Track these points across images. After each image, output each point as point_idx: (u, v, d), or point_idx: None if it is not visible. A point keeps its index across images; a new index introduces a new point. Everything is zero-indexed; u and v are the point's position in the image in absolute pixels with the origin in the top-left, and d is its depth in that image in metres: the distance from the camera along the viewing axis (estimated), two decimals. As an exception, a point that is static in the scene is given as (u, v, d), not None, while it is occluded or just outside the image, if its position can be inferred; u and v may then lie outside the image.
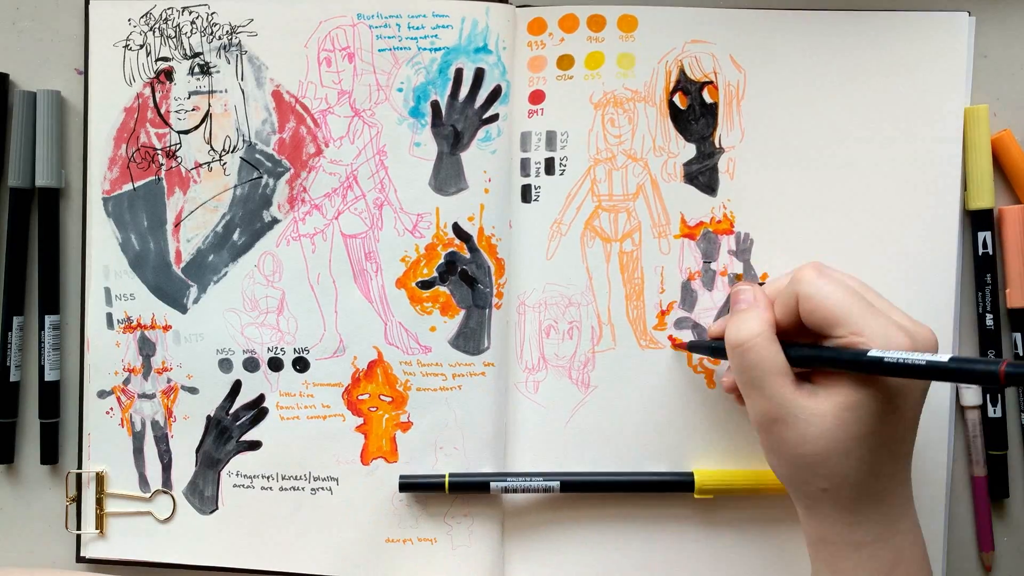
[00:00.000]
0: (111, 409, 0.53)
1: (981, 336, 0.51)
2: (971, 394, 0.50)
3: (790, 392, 0.40)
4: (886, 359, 0.37)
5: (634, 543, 0.51)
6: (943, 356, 0.36)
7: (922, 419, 0.50)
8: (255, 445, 0.53)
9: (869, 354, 0.38)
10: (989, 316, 0.50)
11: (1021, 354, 0.50)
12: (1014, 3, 0.51)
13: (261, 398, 0.53)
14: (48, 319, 0.53)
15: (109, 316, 0.53)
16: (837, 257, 0.50)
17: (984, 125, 0.50)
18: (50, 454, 0.54)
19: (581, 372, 0.51)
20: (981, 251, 0.50)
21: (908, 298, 0.50)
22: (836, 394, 0.40)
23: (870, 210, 0.50)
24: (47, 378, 0.53)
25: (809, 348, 0.41)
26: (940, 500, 0.50)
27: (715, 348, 0.47)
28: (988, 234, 0.50)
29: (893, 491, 0.41)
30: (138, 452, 0.53)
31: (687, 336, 0.51)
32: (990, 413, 0.50)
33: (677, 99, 0.51)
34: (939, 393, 0.50)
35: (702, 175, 0.51)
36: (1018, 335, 0.50)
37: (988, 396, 0.50)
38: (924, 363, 0.36)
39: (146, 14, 0.53)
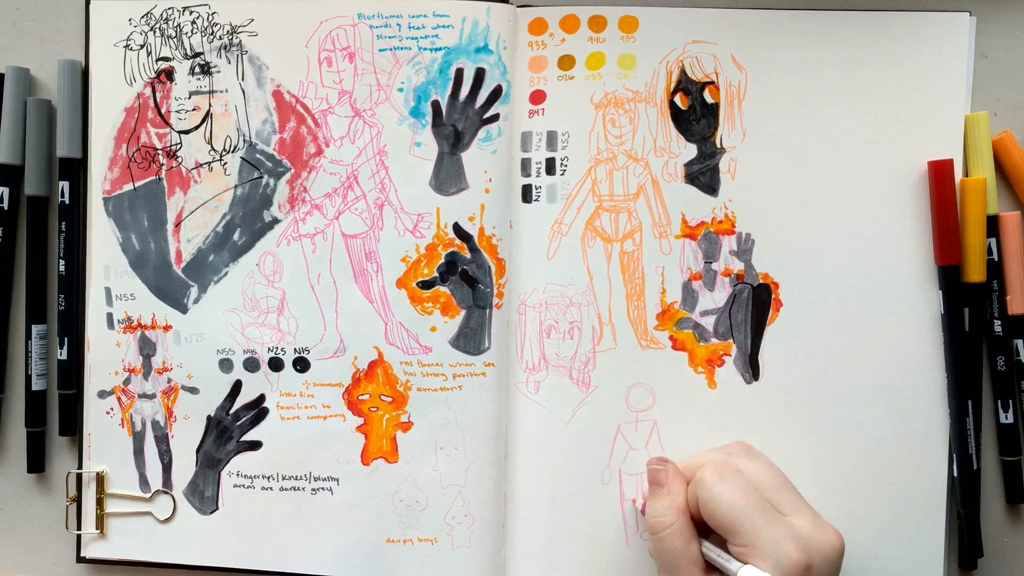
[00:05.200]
0: (111, 409, 0.53)
1: (988, 341, 0.51)
2: None
3: None
4: None
5: (634, 542, 0.51)
6: None
7: (925, 419, 0.50)
8: (255, 445, 0.53)
9: None
10: (997, 322, 0.50)
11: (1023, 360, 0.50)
12: (1015, 3, 0.51)
13: (261, 398, 0.53)
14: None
15: (109, 316, 0.53)
16: (837, 257, 0.50)
17: (984, 131, 0.50)
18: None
19: (582, 372, 0.51)
20: (987, 256, 0.50)
21: (908, 297, 0.50)
22: None
23: (871, 210, 0.50)
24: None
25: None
26: (942, 500, 0.50)
27: None
28: (993, 240, 0.50)
29: None
30: (138, 452, 0.53)
31: (689, 332, 0.51)
32: (1002, 419, 0.50)
33: (678, 99, 0.51)
34: (939, 403, 0.50)
35: (703, 175, 0.51)
36: (1019, 341, 0.50)
37: (1000, 402, 0.50)
38: None
39: (147, 14, 0.53)
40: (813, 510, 0.43)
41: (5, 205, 0.53)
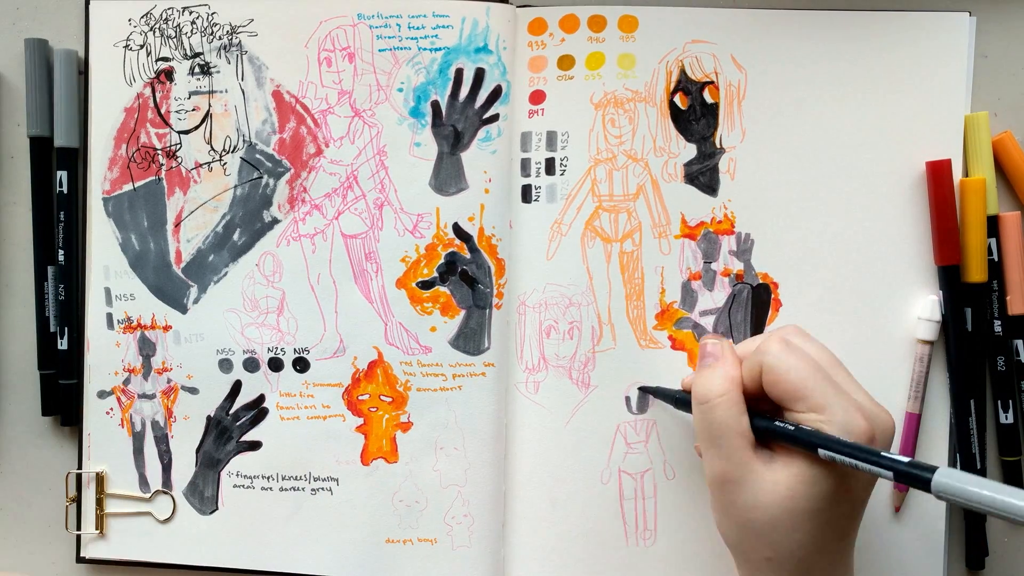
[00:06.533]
0: (111, 409, 0.53)
1: (988, 342, 0.50)
2: (927, 328, 0.49)
3: (747, 455, 0.41)
4: (838, 459, 0.38)
5: (633, 542, 0.51)
6: (893, 455, 0.37)
7: (926, 419, 0.50)
8: (255, 445, 0.53)
9: (821, 452, 0.39)
10: (997, 322, 0.50)
11: (1024, 360, 0.50)
12: (1015, 3, 0.51)
13: (261, 398, 0.53)
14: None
15: (109, 316, 0.53)
16: (837, 257, 0.50)
17: (984, 132, 0.50)
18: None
19: (581, 372, 0.51)
20: (987, 257, 0.50)
21: (908, 297, 0.50)
22: (792, 465, 0.40)
23: (871, 210, 0.50)
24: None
25: (769, 421, 0.41)
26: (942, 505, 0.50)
27: (679, 400, 0.48)
28: (993, 240, 0.50)
29: (835, 569, 0.41)
30: (138, 452, 0.53)
31: (688, 332, 0.51)
32: (1002, 420, 0.50)
33: (678, 99, 0.51)
34: (941, 402, 0.50)
35: (703, 175, 0.51)
36: (1019, 341, 0.50)
37: (1000, 403, 0.50)
38: (872, 464, 0.38)
39: (146, 14, 0.53)
40: (866, 391, 0.42)
41: (65, 189, 0.53)
